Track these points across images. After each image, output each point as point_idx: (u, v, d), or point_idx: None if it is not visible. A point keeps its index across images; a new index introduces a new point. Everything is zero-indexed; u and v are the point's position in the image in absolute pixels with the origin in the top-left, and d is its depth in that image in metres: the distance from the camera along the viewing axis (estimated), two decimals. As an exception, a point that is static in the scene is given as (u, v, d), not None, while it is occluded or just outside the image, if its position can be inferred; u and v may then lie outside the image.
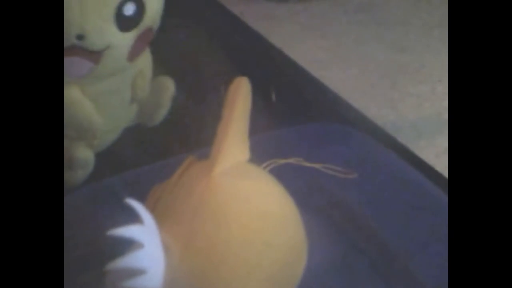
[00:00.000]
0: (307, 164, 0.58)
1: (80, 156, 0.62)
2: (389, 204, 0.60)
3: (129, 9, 0.57)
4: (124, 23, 0.57)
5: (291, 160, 0.57)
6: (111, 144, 0.66)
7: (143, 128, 0.69)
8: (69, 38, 0.56)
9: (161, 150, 0.67)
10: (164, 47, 0.68)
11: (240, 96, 0.50)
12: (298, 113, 0.70)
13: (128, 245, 0.44)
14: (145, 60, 0.65)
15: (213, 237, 0.45)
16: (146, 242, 0.43)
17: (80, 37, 0.56)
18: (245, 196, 0.47)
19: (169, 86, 0.69)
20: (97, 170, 0.63)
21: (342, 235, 0.57)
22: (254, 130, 0.51)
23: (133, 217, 0.44)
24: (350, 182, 0.59)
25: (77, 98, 0.59)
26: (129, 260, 0.42)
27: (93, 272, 0.48)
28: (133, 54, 0.61)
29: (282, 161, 0.55)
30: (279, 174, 0.51)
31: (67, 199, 0.58)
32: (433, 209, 0.58)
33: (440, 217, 0.54)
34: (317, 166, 0.58)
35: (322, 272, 0.52)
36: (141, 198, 0.47)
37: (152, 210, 0.46)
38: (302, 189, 0.54)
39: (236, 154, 0.49)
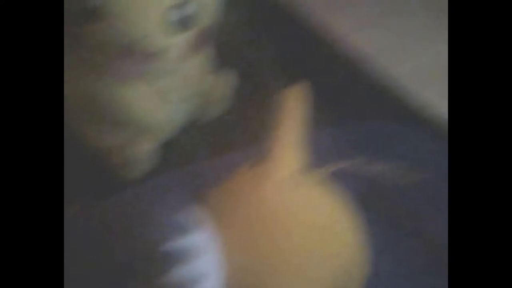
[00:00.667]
0: (368, 167, 0.57)
1: (141, 151, 0.62)
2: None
3: (186, 10, 0.56)
4: (180, 24, 0.56)
5: (351, 163, 0.56)
6: (172, 138, 0.66)
7: (203, 122, 0.69)
8: (123, 39, 0.55)
9: (220, 145, 0.67)
10: (224, 42, 0.68)
11: (300, 104, 0.49)
12: (358, 111, 0.69)
13: (187, 255, 0.44)
14: (205, 55, 0.65)
15: (272, 246, 0.45)
16: (209, 248, 0.43)
17: (135, 39, 0.55)
18: (303, 210, 0.47)
19: (229, 80, 0.69)
20: (157, 164, 0.64)
21: (404, 242, 0.55)
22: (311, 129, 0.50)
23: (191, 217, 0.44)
24: (414, 186, 0.58)
25: (136, 97, 0.60)
26: (190, 267, 0.42)
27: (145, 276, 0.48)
28: (191, 52, 0.60)
29: (342, 165, 0.54)
30: (339, 178, 0.51)
31: (126, 194, 0.59)
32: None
33: None
34: (379, 168, 0.57)
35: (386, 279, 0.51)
36: (199, 195, 0.48)
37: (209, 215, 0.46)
38: (362, 194, 0.53)
39: (293, 162, 0.48)
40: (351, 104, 0.70)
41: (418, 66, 0.70)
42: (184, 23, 0.56)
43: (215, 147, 0.67)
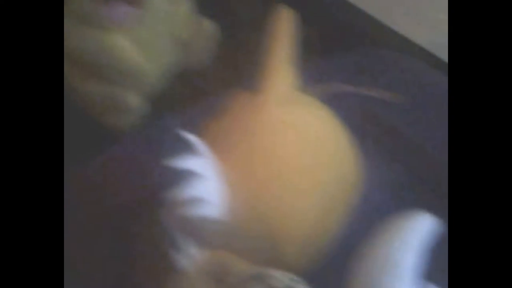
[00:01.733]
0: (353, 89, 0.58)
1: (131, 102, 0.63)
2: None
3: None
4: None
5: (338, 87, 0.57)
6: (161, 89, 0.66)
7: (191, 72, 0.70)
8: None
9: (210, 92, 0.68)
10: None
11: (285, 27, 0.50)
12: (339, 40, 0.70)
13: (185, 177, 0.45)
14: (188, 2, 0.66)
15: (270, 165, 0.46)
16: (205, 173, 0.44)
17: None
18: (299, 123, 0.48)
19: (212, 28, 0.70)
20: (148, 114, 0.64)
21: (396, 161, 0.57)
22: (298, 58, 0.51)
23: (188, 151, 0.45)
24: (400, 107, 0.59)
25: (122, 45, 0.60)
26: (189, 190, 0.43)
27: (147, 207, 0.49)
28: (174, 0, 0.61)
29: (330, 88, 0.56)
30: (328, 102, 0.52)
31: (120, 145, 0.60)
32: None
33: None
34: (363, 91, 0.58)
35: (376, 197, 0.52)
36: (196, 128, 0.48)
37: (206, 143, 0.47)
38: (354, 115, 0.54)
39: (285, 82, 0.49)
40: (341, 32, 0.70)
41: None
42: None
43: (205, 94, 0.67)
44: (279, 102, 0.48)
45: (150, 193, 0.47)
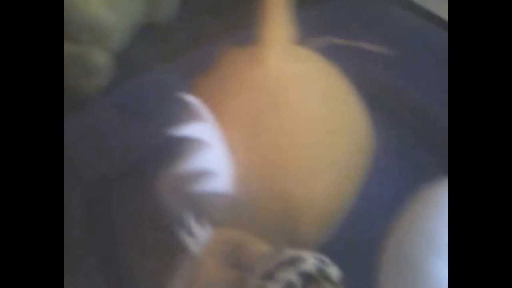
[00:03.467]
0: (348, 43, 0.53)
1: (97, 61, 0.57)
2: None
3: None
4: None
5: (331, 39, 0.52)
6: (128, 45, 0.60)
7: (159, 27, 0.64)
8: None
9: (182, 47, 0.62)
10: None
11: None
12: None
13: (186, 146, 0.39)
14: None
15: (278, 126, 0.41)
16: (212, 141, 0.39)
17: None
18: (305, 77, 0.43)
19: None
20: (116, 73, 0.58)
21: (396, 120, 0.53)
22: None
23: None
24: (393, 61, 0.55)
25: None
26: (197, 161, 0.38)
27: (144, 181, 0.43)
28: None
29: (327, 42, 0.51)
30: (332, 53, 0.47)
31: (91, 109, 0.54)
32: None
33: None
34: (359, 44, 0.54)
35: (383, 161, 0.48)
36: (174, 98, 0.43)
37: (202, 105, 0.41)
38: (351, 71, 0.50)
39: (283, 34, 0.44)
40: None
41: None
42: None
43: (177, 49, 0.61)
44: (280, 55, 0.43)
45: (144, 164, 0.41)
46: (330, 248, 0.39)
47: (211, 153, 0.39)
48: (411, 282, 0.36)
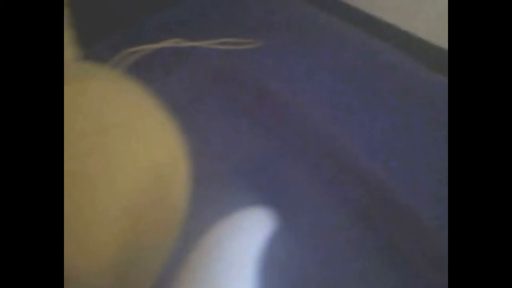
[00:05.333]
0: (193, 44, 0.47)
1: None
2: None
3: None
4: None
5: (166, 43, 0.45)
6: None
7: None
8: None
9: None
10: None
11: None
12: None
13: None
14: None
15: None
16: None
17: None
18: (93, 106, 0.36)
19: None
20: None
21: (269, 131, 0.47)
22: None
23: None
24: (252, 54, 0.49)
25: None
26: None
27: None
28: None
29: (157, 46, 0.44)
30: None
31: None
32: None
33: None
34: (202, 45, 0.47)
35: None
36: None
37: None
38: (196, 73, 0.43)
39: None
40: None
41: None
42: None
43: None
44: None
45: None
46: None
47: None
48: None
